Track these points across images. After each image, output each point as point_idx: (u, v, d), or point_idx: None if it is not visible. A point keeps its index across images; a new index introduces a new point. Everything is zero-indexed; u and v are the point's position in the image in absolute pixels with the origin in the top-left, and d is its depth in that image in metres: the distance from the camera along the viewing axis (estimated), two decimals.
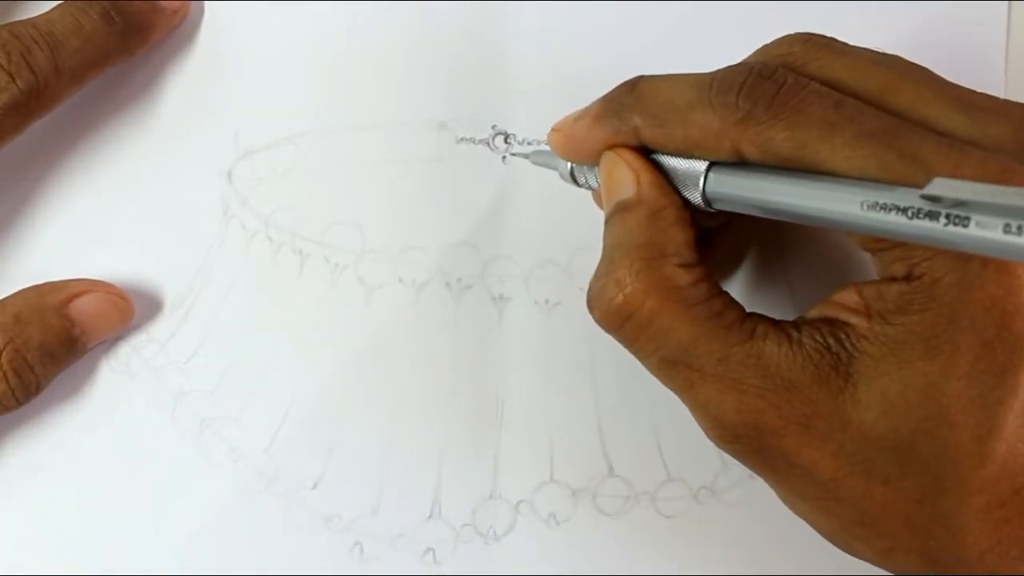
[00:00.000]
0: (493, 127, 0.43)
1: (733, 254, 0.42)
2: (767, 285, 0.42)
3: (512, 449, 0.43)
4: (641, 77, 0.34)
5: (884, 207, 0.27)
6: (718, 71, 0.32)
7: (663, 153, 0.33)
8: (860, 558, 0.33)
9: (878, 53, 0.32)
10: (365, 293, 0.43)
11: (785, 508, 0.34)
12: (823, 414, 0.30)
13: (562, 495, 0.43)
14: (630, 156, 0.33)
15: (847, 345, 0.31)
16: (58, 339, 0.41)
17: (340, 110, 0.43)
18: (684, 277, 0.32)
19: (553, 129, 0.36)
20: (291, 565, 0.43)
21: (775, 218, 0.31)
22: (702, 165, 0.32)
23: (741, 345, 0.31)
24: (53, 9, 0.41)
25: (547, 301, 0.43)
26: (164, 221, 0.44)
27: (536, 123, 0.42)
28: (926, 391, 0.29)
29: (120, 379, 0.44)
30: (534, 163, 0.39)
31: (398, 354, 0.43)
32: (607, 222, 0.34)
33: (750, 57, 0.34)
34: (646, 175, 0.33)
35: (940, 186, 0.25)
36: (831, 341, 0.31)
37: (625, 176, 0.33)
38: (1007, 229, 0.25)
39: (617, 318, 0.32)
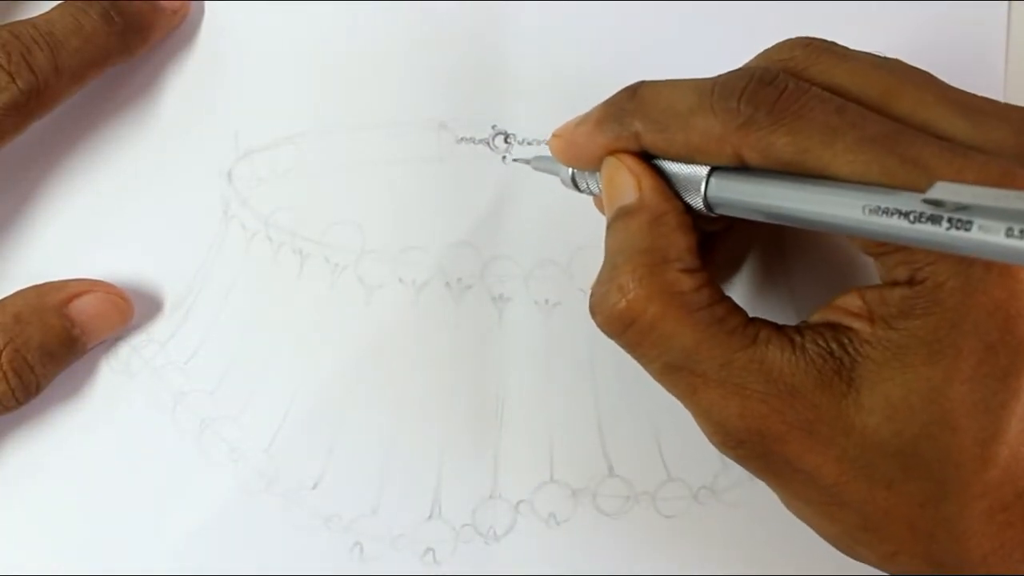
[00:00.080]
0: (493, 127, 0.43)
1: (735, 258, 0.42)
2: (769, 289, 0.42)
3: (512, 449, 0.43)
4: (642, 82, 0.33)
5: (886, 211, 0.27)
6: (719, 76, 0.32)
7: (664, 158, 0.33)
8: (863, 562, 0.33)
9: (879, 57, 0.32)
10: (365, 293, 0.43)
11: (785, 508, 0.34)
12: (826, 419, 0.30)
13: (562, 495, 0.43)
14: (631, 161, 0.33)
15: (850, 350, 0.31)
16: (58, 339, 0.41)
17: (340, 110, 0.43)
18: (686, 283, 0.32)
19: (554, 135, 0.36)
20: (291, 565, 0.43)
21: (777, 223, 0.31)
22: (703, 170, 0.32)
23: (744, 350, 0.31)
24: (53, 9, 0.41)
25: (547, 301, 0.43)
26: (164, 221, 0.44)
27: (536, 123, 0.42)
28: (929, 395, 0.29)
29: (120, 379, 0.44)
30: (535, 168, 0.39)
31: (398, 354, 0.43)
32: (609, 228, 0.34)
33: (751, 62, 0.34)
34: (648, 180, 0.33)
35: (942, 190, 0.25)
36: (834, 346, 0.31)
37: (627, 182, 0.33)
38: (1009, 233, 0.24)
39: (620, 324, 0.32)
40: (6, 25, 0.40)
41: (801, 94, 0.30)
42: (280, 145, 0.43)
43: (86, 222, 0.44)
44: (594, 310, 0.33)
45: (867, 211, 0.28)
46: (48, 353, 0.40)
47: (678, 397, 0.33)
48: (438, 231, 0.43)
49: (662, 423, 0.42)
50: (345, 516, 0.43)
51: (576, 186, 0.37)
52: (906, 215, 0.27)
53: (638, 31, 0.43)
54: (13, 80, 0.39)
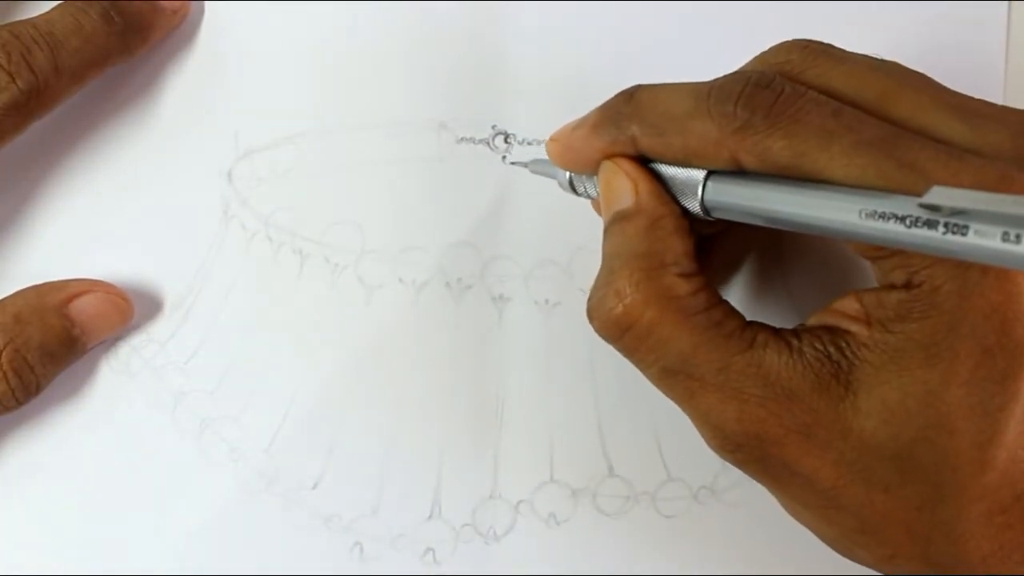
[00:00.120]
0: (493, 127, 0.43)
1: (732, 262, 0.42)
2: (766, 293, 0.41)
3: (512, 449, 0.43)
4: (639, 86, 0.33)
5: (883, 216, 0.27)
6: (716, 80, 0.32)
7: (661, 162, 0.33)
8: (861, 564, 0.33)
9: (876, 60, 0.32)
10: (365, 293, 0.43)
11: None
12: (824, 422, 0.30)
13: (562, 495, 0.43)
14: (628, 165, 0.33)
15: (847, 353, 0.31)
16: (58, 339, 0.41)
17: (340, 110, 0.43)
18: (683, 287, 0.32)
19: (551, 139, 0.36)
20: (291, 565, 0.43)
21: (774, 227, 0.31)
22: (700, 174, 0.32)
23: (741, 354, 0.31)
24: (53, 9, 0.41)
25: (547, 301, 0.43)
26: (164, 221, 0.44)
27: (536, 123, 0.42)
28: (926, 399, 0.29)
29: (120, 379, 0.44)
30: (533, 172, 0.39)
31: (398, 354, 0.43)
32: (606, 231, 0.34)
33: (748, 65, 0.34)
34: (644, 184, 0.33)
35: (938, 195, 0.25)
36: (831, 349, 0.31)
37: (624, 185, 0.33)
38: (1005, 237, 0.24)
39: (617, 328, 0.32)
40: (6, 25, 0.40)
41: (797, 98, 0.30)
42: (280, 145, 0.43)
43: (86, 222, 0.44)
44: (591, 315, 0.33)
45: (863, 215, 0.28)
46: (48, 353, 0.40)
47: (676, 401, 0.33)
48: (438, 231, 0.43)
49: (662, 423, 0.42)
50: (345, 516, 0.43)
51: (574, 190, 0.37)
52: (902, 219, 0.27)
53: (638, 31, 0.42)
54: (13, 80, 0.39)
